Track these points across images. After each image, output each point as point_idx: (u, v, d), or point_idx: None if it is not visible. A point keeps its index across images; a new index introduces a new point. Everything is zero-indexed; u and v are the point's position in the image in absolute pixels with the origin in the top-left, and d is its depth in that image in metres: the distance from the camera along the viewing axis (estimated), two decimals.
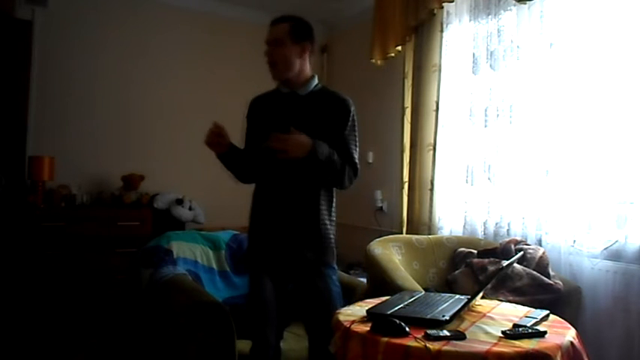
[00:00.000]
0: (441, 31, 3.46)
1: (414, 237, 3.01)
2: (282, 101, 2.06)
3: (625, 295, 2.45)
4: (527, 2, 2.87)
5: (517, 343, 1.47)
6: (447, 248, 2.92)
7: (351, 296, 2.43)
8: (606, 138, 2.61)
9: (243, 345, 2.13)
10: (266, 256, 2.04)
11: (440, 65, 3.45)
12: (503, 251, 2.68)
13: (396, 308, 1.71)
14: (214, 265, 2.73)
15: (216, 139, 1.98)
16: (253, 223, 2.08)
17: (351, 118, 2.03)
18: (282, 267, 2.03)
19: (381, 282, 2.50)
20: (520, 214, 2.95)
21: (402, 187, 3.65)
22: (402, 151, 3.66)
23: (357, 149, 2.05)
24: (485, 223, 3.16)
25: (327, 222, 2.02)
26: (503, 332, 1.55)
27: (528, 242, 2.78)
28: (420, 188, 3.49)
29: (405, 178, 3.63)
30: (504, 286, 2.46)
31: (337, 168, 1.95)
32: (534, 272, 2.49)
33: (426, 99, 3.50)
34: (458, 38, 3.43)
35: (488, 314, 1.80)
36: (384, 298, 1.93)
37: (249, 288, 2.09)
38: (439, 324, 1.60)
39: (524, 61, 2.96)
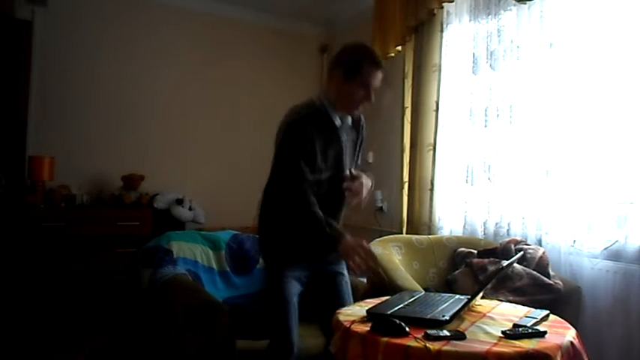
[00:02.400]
0: (441, 31, 3.46)
1: (414, 237, 3.01)
2: (339, 133, 2.02)
3: (625, 295, 2.46)
4: (527, 2, 2.87)
5: (517, 343, 1.47)
6: (447, 248, 2.92)
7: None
8: (606, 138, 2.61)
9: (244, 345, 2.13)
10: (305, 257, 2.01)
11: (440, 65, 3.45)
12: (503, 251, 2.68)
13: (396, 308, 1.71)
14: (214, 265, 2.73)
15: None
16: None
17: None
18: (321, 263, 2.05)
19: (381, 282, 2.50)
20: (520, 214, 2.95)
21: (402, 187, 3.65)
22: (402, 151, 3.66)
23: None
24: (485, 223, 3.16)
25: None
26: (503, 332, 1.55)
27: (528, 242, 2.78)
28: (420, 188, 3.49)
29: (405, 178, 3.63)
30: (504, 286, 2.46)
31: None
32: (534, 272, 2.49)
33: (426, 99, 3.50)
34: (458, 38, 3.43)
35: (488, 314, 1.80)
36: (384, 298, 1.94)
37: (273, 288, 1.98)
38: (439, 324, 1.60)
39: (524, 61, 2.96)
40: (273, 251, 2.02)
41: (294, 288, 1.99)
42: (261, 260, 2.82)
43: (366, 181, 2.04)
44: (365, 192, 2.03)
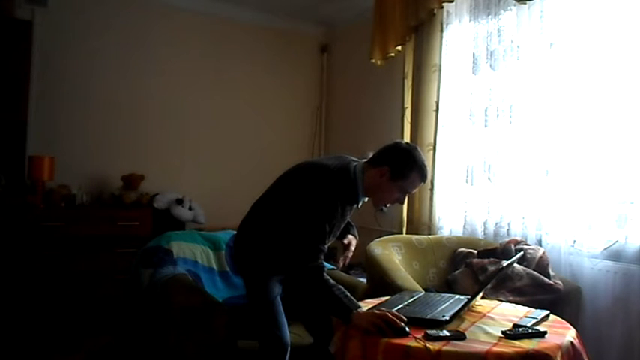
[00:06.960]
0: (441, 31, 3.46)
1: (414, 237, 3.01)
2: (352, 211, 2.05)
3: (625, 295, 2.46)
4: (527, 2, 2.87)
5: (517, 343, 1.48)
6: (447, 248, 2.92)
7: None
8: (606, 138, 2.61)
9: (244, 345, 2.13)
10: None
11: (440, 65, 3.45)
12: (503, 251, 2.68)
13: (396, 308, 1.71)
14: (214, 265, 2.73)
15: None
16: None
17: None
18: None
19: (381, 282, 2.50)
20: (520, 214, 2.95)
21: None
22: None
23: None
24: (485, 223, 3.16)
25: None
26: (503, 332, 1.55)
27: (528, 242, 2.78)
28: (420, 188, 3.48)
29: None
30: (504, 286, 2.46)
31: None
32: (534, 272, 2.49)
33: (426, 99, 3.50)
34: (458, 38, 3.43)
35: (488, 314, 1.80)
36: (384, 298, 1.94)
37: (258, 290, 2.03)
38: (439, 324, 1.60)
39: (524, 61, 2.96)
40: (257, 265, 2.02)
41: (277, 288, 2.06)
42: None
43: (354, 242, 2.16)
44: (353, 249, 2.15)
